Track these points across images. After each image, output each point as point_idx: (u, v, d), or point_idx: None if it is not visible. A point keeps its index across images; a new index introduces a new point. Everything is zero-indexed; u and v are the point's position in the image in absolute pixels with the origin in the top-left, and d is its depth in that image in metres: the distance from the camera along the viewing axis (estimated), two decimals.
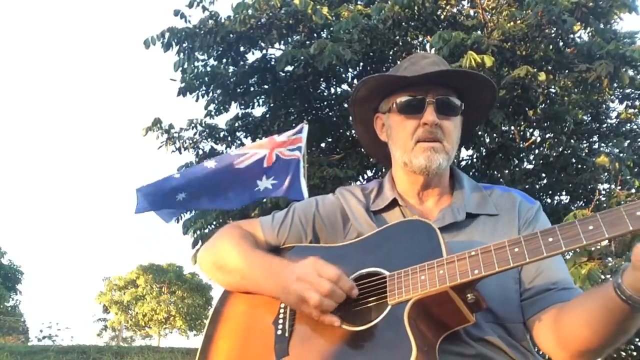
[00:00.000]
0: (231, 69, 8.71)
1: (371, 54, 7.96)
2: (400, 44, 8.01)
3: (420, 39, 8.72)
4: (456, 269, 1.12)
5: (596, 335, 1.11)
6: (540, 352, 1.34)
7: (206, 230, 8.32)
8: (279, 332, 1.28)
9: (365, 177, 8.89)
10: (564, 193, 8.95)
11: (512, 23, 7.50)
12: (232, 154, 6.11)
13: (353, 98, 1.50)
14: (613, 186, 7.94)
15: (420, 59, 1.45)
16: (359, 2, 9.50)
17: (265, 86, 8.85)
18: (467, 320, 1.17)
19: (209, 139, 9.43)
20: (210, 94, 8.92)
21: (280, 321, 1.30)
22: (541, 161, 9.00)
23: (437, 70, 1.37)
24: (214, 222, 8.24)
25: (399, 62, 1.52)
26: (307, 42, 8.15)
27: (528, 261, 1.06)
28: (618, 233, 0.97)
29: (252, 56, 8.72)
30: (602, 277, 5.76)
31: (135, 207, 5.71)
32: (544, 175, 8.99)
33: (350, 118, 1.63)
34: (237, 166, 5.72)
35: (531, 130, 9.29)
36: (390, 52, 8.06)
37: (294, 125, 7.07)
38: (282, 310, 1.32)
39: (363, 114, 1.53)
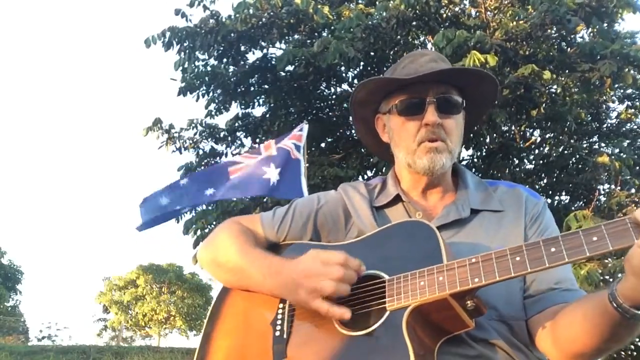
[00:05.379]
0: (232, 68, 8.70)
1: (372, 53, 7.95)
2: (402, 43, 8.00)
3: (422, 39, 8.71)
4: (456, 276, 1.11)
5: (590, 340, 1.11)
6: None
7: (206, 230, 8.33)
8: (277, 333, 1.28)
9: (366, 177, 8.87)
10: (564, 193, 8.93)
11: (515, 22, 7.49)
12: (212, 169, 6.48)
13: (352, 100, 1.49)
14: (613, 186, 7.93)
15: (419, 57, 1.44)
16: (359, 2, 9.49)
17: (266, 86, 8.83)
18: (467, 326, 1.16)
19: (209, 139, 9.43)
20: (211, 94, 8.91)
21: (279, 322, 1.29)
22: (541, 161, 8.98)
23: (435, 70, 1.35)
24: (214, 222, 8.23)
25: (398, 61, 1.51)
26: (308, 42, 8.14)
27: (530, 271, 1.06)
28: (622, 246, 0.95)
29: (253, 56, 8.74)
30: (601, 277, 5.76)
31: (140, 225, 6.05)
32: (544, 175, 8.97)
33: (351, 119, 1.61)
34: (231, 175, 5.85)
35: (531, 130, 9.27)
36: (391, 52, 8.04)
37: (294, 125, 7.06)
38: (280, 311, 1.31)
39: (363, 115, 1.52)
